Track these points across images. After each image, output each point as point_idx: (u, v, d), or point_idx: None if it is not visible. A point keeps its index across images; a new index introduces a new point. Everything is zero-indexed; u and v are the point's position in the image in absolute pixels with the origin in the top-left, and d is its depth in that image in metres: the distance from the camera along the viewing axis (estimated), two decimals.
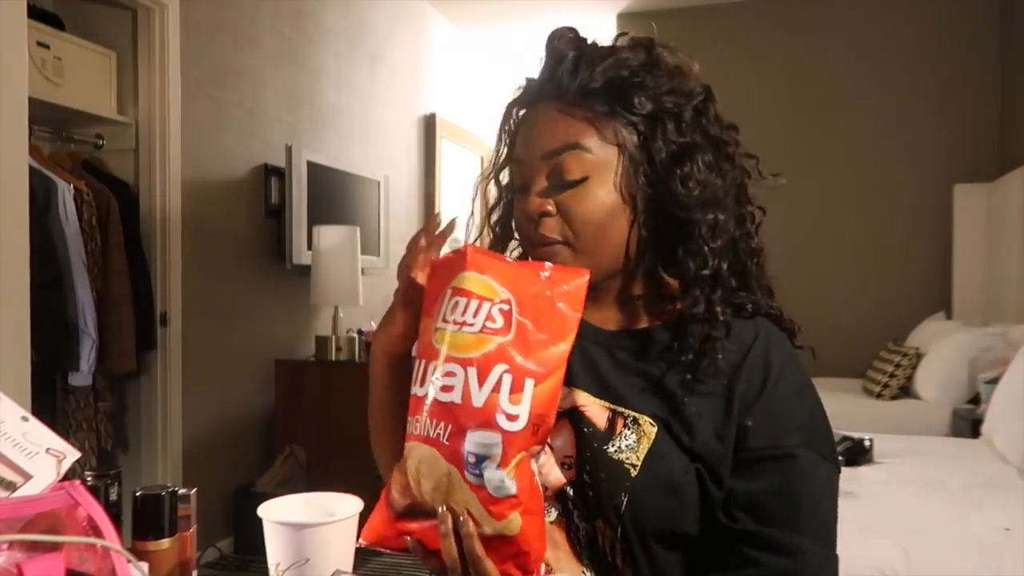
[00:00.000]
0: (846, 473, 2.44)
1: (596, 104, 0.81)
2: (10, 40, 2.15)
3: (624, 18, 5.23)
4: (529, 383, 0.68)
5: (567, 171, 0.80)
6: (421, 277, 0.79)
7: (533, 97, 0.86)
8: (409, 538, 0.71)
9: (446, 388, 0.68)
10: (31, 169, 2.30)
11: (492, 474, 0.66)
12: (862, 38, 4.95)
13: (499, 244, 0.94)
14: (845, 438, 2.64)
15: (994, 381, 3.16)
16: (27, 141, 2.24)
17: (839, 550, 0.79)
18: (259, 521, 0.77)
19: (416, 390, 0.71)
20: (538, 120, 0.84)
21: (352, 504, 0.81)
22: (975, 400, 3.62)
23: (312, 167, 3.64)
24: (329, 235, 3.50)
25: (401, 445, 0.73)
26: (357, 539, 0.79)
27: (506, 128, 0.90)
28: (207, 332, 3.20)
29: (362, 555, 0.83)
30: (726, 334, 0.81)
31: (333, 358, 3.55)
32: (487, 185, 0.94)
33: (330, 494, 0.83)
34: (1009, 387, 2.90)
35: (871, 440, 2.66)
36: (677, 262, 0.83)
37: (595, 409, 0.81)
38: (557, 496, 0.80)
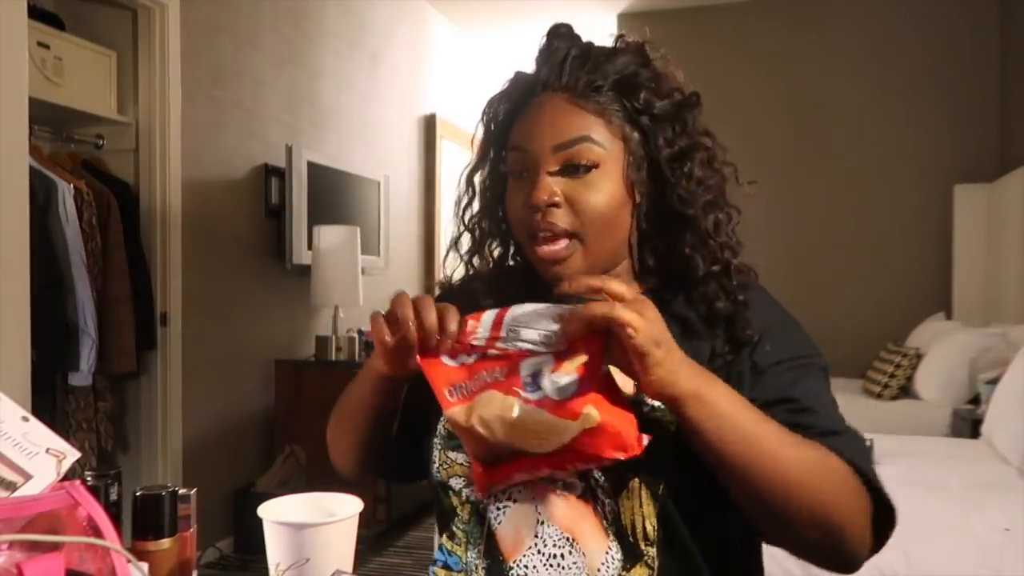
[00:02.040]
0: None
1: (604, 99, 0.83)
2: (10, 40, 2.15)
3: (624, 18, 5.22)
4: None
5: (581, 160, 0.82)
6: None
7: (532, 88, 0.86)
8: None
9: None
10: (31, 169, 2.30)
11: (548, 380, 0.69)
12: (862, 38, 4.95)
13: (476, 244, 0.94)
14: None
15: (994, 381, 3.16)
16: (27, 141, 2.24)
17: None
18: (259, 521, 0.77)
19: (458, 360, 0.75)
20: (546, 109, 0.84)
21: (352, 504, 0.80)
22: (975, 400, 3.62)
23: (312, 167, 3.64)
24: (329, 235, 3.50)
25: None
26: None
27: (492, 118, 0.90)
28: (207, 332, 3.20)
29: (362, 555, 0.82)
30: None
31: (333, 358, 3.55)
32: (476, 175, 0.94)
33: (330, 494, 0.83)
34: (1009, 387, 2.90)
35: (871, 440, 2.63)
36: (680, 258, 0.85)
37: (621, 377, 0.81)
38: (581, 475, 0.80)
